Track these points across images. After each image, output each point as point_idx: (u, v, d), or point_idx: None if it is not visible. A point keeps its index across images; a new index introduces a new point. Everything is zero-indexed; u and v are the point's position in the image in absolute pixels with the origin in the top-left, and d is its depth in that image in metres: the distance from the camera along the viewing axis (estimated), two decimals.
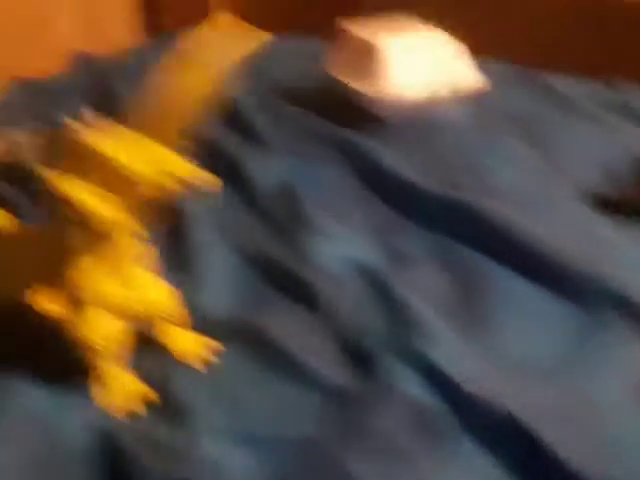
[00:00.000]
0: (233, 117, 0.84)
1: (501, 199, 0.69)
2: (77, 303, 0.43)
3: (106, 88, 1.02)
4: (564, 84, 1.00)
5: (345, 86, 0.87)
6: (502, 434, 0.43)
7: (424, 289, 0.57)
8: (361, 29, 0.87)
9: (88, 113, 0.34)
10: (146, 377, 0.48)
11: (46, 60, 1.17)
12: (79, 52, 1.20)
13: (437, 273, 0.60)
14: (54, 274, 0.43)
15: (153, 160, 0.34)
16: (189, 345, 0.50)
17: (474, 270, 0.61)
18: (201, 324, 0.52)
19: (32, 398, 0.46)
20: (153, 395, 0.47)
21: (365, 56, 0.87)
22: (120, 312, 0.45)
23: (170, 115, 0.40)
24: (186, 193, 0.40)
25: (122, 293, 0.45)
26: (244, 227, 0.65)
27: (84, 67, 1.14)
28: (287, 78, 1.01)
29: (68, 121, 0.34)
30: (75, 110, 0.87)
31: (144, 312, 0.46)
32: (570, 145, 0.84)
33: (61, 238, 0.40)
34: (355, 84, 0.86)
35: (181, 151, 0.40)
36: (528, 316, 0.55)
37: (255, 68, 1.02)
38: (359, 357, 0.50)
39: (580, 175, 0.76)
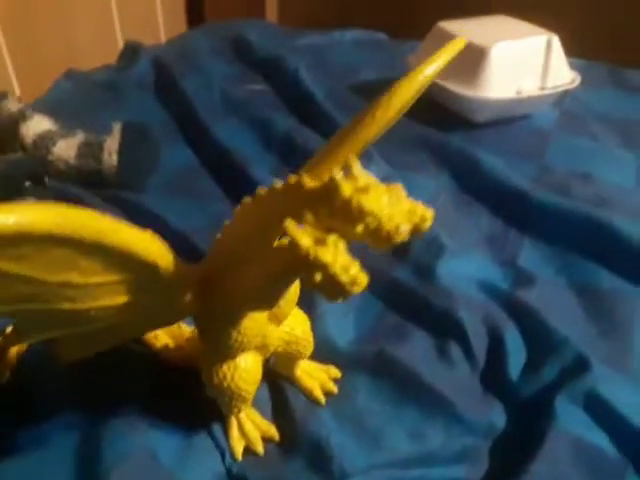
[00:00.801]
0: (296, 102, 0.80)
1: (615, 208, 0.63)
2: (233, 351, 0.38)
3: (168, 80, 0.95)
4: None
5: (440, 87, 0.80)
6: None
7: (556, 311, 0.51)
8: (459, 29, 0.82)
9: (353, 162, 0.29)
10: (268, 413, 0.44)
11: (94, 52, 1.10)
12: (130, 41, 1.13)
13: (564, 291, 0.55)
14: (207, 315, 0.38)
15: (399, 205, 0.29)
16: (315, 376, 0.46)
17: (608, 290, 0.55)
18: (324, 352, 0.47)
19: (155, 440, 0.41)
20: (275, 432, 0.42)
21: (468, 58, 0.80)
22: (268, 352, 0.41)
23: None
24: None
25: (276, 332, 0.41)
26: (357, 247, 0.56)
27: (138, 57, 1.06)
28: (363, 73, 0.95)
29: (335, 172, 0.29)
30: (137, 103, 0.81)
31: (287, 348, 0.42)
32: None
33: (232, 284, 0.35)
34: (453, 86, 0.79)
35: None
36: None
37: (329, 61, 0.96)
38: (506, 390, 0.45)
39: None
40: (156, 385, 0.44)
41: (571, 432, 0.40)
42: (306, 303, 0.48)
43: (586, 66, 0.94)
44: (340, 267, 0.28)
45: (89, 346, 0.39)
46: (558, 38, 0.81)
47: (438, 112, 0.81)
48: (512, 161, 0.72)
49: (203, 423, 0.43)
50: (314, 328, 0.46)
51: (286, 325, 0.41)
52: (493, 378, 0.46)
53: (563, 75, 0.83)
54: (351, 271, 0.28)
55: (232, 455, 0.42)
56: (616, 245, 0.58)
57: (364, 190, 0.28)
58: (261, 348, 0.40)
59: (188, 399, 0.43)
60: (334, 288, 0.28)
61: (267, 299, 0.36)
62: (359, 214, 0.28)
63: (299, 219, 0.29)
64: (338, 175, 0.28)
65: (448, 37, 0.79)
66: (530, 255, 0.59)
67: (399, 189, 0.29)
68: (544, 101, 0.83)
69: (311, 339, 0.44)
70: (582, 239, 0.60)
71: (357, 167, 0.29)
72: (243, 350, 0.39)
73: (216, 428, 0.43)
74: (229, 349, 0.38)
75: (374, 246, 0.29)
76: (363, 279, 0.29)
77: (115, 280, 0.31)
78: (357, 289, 0.29)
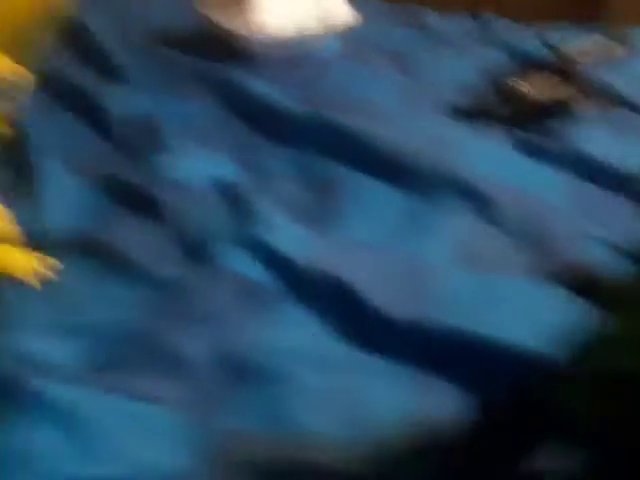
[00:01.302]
0: (90, 52, 0.81)
1: (361, 114, 0.70)
2: None
3: None
4: (436, 18, 1.03)
5: (217, 24, 0.84)
6: (332, 300, 0.45)
7: (276, 194, 0.58)
8: None
9: None
10: None
11: None
12: None
13: (293, 182, 0.61)
14: None
15: None
16: (22, 262, 0.48)
17: (327, 176, 0.62)
18: (40, 243, 0.50)
19: None
20: None
21: None
22: None
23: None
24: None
25: None
26: (93, 154, 0.64)
27: None
28: (160, 17, 0.96)
29: None
30: None
31: None
32: (435, 69, 0.87)
33: None
34: (228, 23, 0.84)
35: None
36: (371, 207, 0.57)
37: (132, 11, 0.95)
38: (197, 251, 0.50)
39: (442, 92, 0.79)
40: None
41: (233, 270, 0.46)
42: (24, 195, 0.54)
43: (378, 6, 1.01)
44: None
45: None
46: None
47: (224, 50, 0.85)
48: (285, 86, 0.77)
49: None
50: (31, 218, 0.50)
51: None
52: (188, 244, 0.52)
53: (340, 12, 0.88)
54: None
55: None
56: (341, 139, 0.66)
57: None
58: None
59: None
60: None
61: None
62: None
63: None
64: None
65: None
66: (275, 159, 0.66)
67: None
68: (323, 36, 0.88)
69: (5, 225, 0.46)
70: (317, 138, 0.67)
71: None
72: None
73: None
74: None
75: None
76: None
77: None
78: None
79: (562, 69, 0.79)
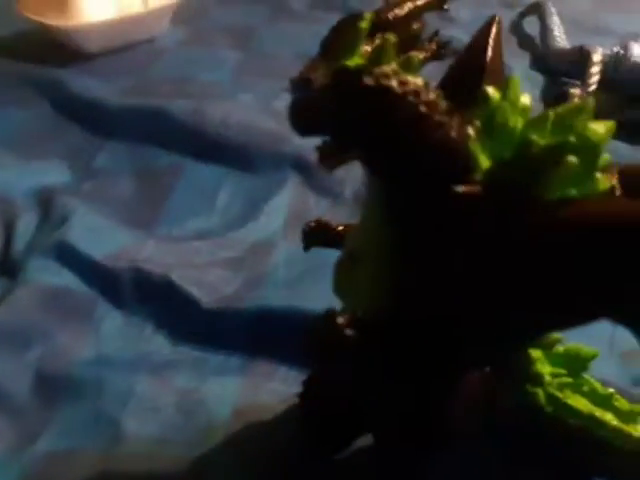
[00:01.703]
0: None
1: (193, 98, 0.69)
2: None
3: None
4: None
5: (40, 24, 0.81)
6: (147, 296, 0.44)
7: (101, 196, 0.57)
8: None
9: None
10: None
11: None
12: None
13: (123, 180, 0.59)
14: None
15: None
16: None
17: (161, 168, 0.61)
18: None
19: None
20: None
21: None
22: None
23: None
24: None
25: None
26: None
27: None
28: None
29: None
30: None
31: None
32: (276, 43, 0.88)
33: None
34: (50, 20, 0.81)
35: None
36: (205, 194, 0.56)
37: None
38: (9, 268, 0.48)
39: (280, 65, 0.79)
40: None
41: (38, 281, 0.44)
42: None
43: None
44: None
45: None
46: None
47: (52, 49, 0.82)
48: (114, 80, 0.76)
49: None
50: None
51: None
52: (5, 261, 0.49)
53: None
54: None
55: None
56: (172, 127, 0.64)
57: None
58: None
59: None
60: None
61: None
62: None
63: None
64: None
65: None
66: (104, 157, 0.63)
67: None
68: (152, 20, 0.86)
69: None
70: (147, 130, 0.65)
71: None
72: None
73: None
74: None
75: None
76: None
77: None
78: None
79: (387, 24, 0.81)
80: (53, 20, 0.81)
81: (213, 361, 0.40)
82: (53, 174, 0.61)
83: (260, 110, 0.68)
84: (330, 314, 0.24)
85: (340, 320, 0.23)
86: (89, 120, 0.70)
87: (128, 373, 0.40)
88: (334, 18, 0.73)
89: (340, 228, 0.32)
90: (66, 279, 0.45)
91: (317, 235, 0.33)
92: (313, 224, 0.33)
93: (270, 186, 0.57)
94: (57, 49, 0.82)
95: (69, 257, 0.46)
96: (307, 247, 0.34)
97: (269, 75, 0.78)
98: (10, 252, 0.49)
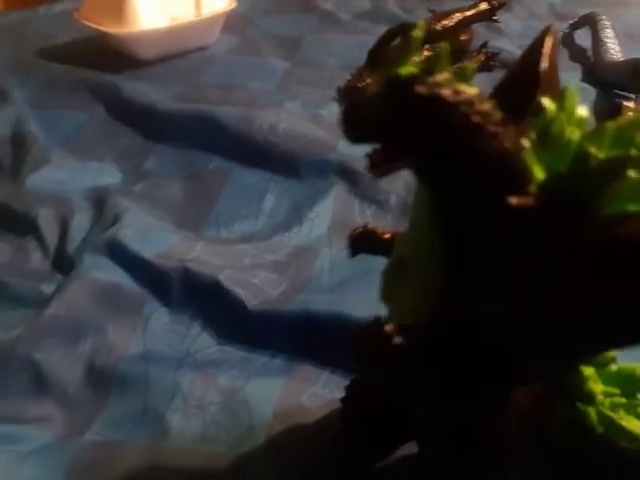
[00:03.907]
0: None
1: (241, 105, 0.71)
2: None
3: None
4: (329, 2, 1.05)
5: (99, 32, 0.85)
6: (195, 295, 0.46)
7: (152, 197, 0.58)
8: None
9: None
10: None
11: None
12: None
13: (173, 183, 0.61)
14: None
15: None
16: None
17: (210, 172, 0.62)
18: None
19: None
20: None
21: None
22: None
23: None
24: None
25: None
26: None
27: None
28: (47, 36, 0.97)
29: None
30: None
31: None
32: (321, 52, 0.88)
33: None
34: (108, 28, 0.84)
35: None
36: (252, 199, 0.58)
37: (10, 30, 0.96)
38: (64, 263, 0.50)
39: (327, 75, 0.80)
40: None
41: (92, 276, 0.46)
42: None
43: None
44: None
45: None
46: None
47: (108, 56, 0.85)
48: (166, 86, 0.78)
49: None
50: None
51: None
52: (59, 258, 0.51)
53: (216, 1, 0.89)
54: None
55: None
56: (221, 133, 0.66)
57: None
58: None
59: None
60: None
61: None
62: None
63: None
64: None
65: None
66: (154, 160, 0.66)
67: None
68: (204, 28, 0.89)
69: None
70: (197, 135, 0.67)
71: None
72: None
73: None
74: None
75: None
76: None
77: None
78: None
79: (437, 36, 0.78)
80: (110, 28, 0.84)
81: (257, 362, 0.41)
82: (106, 175, 0.63)
83: (306, 118, 0.69)
84: (378, 322, 0.24)
85: (388, 328, 0.23)
86: (141, 124, 0.72)
87: (174, 370, 0.41)
88: (380, 29, 0.76)
89: (387, 235, 0.32)
90: (117, 276, 0.46)
91: (363, 242, 0.33)
92: (360, 231, 0.33)
93: (315, 192, 0.58)
94: (113, 56, 0.86)
95: (120, 255, 0.47)
96: (353, 254, 0.34)
97: (315, 84, 0.79)
98: (65, 248, 0.51)
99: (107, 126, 0.73)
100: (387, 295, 0.28)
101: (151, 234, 0.50)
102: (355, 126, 0.21)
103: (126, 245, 0.48)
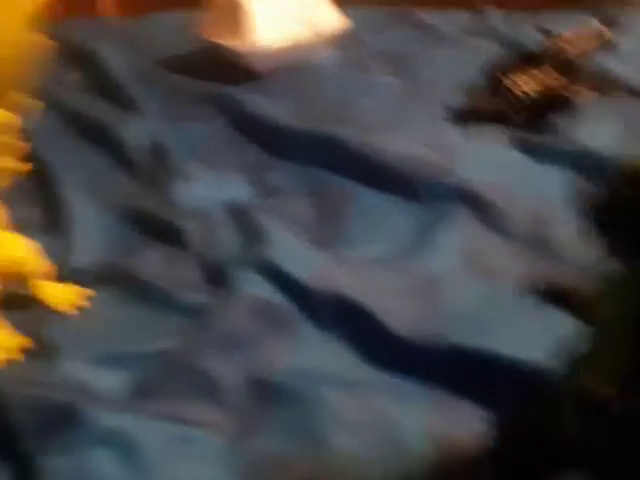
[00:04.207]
0: (102, 82, 0.87)
1: (360, 125, 0.73)
2: None
3: None
4: (431, 16, 1.05)
5: (217, 45, 0.89)
6: (340, 315, 0.48)
7: (285, 214, 0.61)
8: None
9: None
10: (22, 328, 0.51)
11: None
12: None
13: (300, 199, 0.64)
14: None
15: None
16: (59, 294, 0.53)
17: (332, 190, 0.65)
18: (71, 274, 0.55)
19: None
20: (28, 342, 0.50)
21: (231, 14, 0.88)
22: None
23: None
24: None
25: None
26: (113, 184, 0.68)
27: None
28: (166, 46, 1.00)
29: None
30: None
31: (11, 269, 0.49)
32: (430, 69, 0.88)
33: None
34: (226, 42, 0.88)
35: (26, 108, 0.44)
36: (377, 221, 0.60)
37: (131, 38, 1.01)
38: (214, 276, 0.54)
39: (439, 93, 0.81)
40: None
41: (249, 293, 0.50)
42: (55, 231, 0.59)
43: (372, 11, 1.04)
44: None
45: None
46: None
47: (225, 69, 0.89)
48: (283, 101, 0.81)
49: None
50: (63, 252, 0.56)
51: (3, 248, 0.49)
52: (209, 269, 0.55)
53: (329, 18, 0.92)
54: None
55: None
56: (344, 153, 0.69)
57: None
58: None
59: None
60: None
61: None
62: None
63: None
64: None
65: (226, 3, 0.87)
66: (279, 175, 0.69)
67: None
68: (316, 47, 0.91)
69: (36, 260, 0.51)
70: (319, 153, 0.70)
71: None
72: None
73: None
74: None
75: None
76: None
77: None
78: None
79: (559, 59, 0.79)
80: (229, 42, 0.88)
81: (406, 387, 0.43)
82: (235, 188, 0.67)
83: (422, 139, 0.70)
84: (586, 379, 0.25)
85: (603, 390, 0.25)
86: (263, 139, 0.75)
87: (326, 388, 0.43)
88: (484, 44, 0.76)
89: (572, 289, 0.34)
90: (270, 293, 0.50)
91: (550, 295, 0.34)
92: (547, 285, 0.35)
93: (438, 216, 0.59)
94: (230, 68, 0.89)
95: (273, 273, 0.51)
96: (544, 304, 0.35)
97: (428, 102, 0.80)
98: (213, 261, 0.55)
99: (228, 138, 0.77)
100: (576, 351, 0.29)
101: (298, 254, 0.54)
102: (604, 213, 0.23)
103: (278, 265, 0.51)
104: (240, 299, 0.49)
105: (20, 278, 0.52)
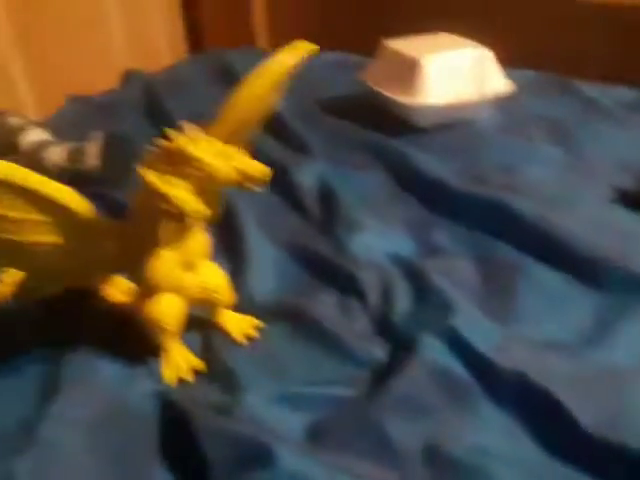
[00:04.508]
0: (278, 127, 0.90)
1: (528, 195, 0.72)
2: (152, 288, 0.49)
3: (156, 103, 1.09)
4: (590, 88, 1.04)
5: (382, 94, 0.91)
6: (521, 396, 0.47)
7: (455, 276, 0.61)
8: (402, 46, 0.93)
9: (187, 125, 0.42)
10: (198, 350, 0.54)
11: (98, 77, 1.23)
12: (129, 69, 1.28)
13: (468, 263, 0.64)
14: (132, 263, 0.49)
15: (227, 158, 0.41)
16: (236, 323, 0.56)
17: (499, 258, 0.64)
18: (248, 305, 0.58)
19: (103, 368, 0.52)
20: (202, 365, 0.52)
21: (404, 68, 0.90)
22: (186, 295, 0.51)
23: (239, 123, 0.50)
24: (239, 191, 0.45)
25: (191, 279, 0.50)
26: (288, 223, 0.71)
27: (134, 83, 1.21)
28: (329, 90, 1.05)
29: (168, 131, 0.41)
30: (128, 122, 0.90)
31: (204, 295, 0.52)
32: (595, 144, 0.87)
33: (142, 232, 0.46)
34: (393, 93, 0.90)
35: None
36: (552, 300, 0.58)
37: (299, 81, 1.06)
38: (390, 332, 0.54)
39: (604, 171, 0.79)
40: (108, 329, 0.55)
41: (430, 358, 0.49)
42: (236, 265, 0.62)
43: (522, 74, 1.03)
44: (178, 197, 0.40)
45: (52, 284, 0.51)
46: (491, 52, 0.92)
47: (387, 120, 0.91)
48: (445, 159, 0.82)
49: (142, 356, 0.53)
50: (241, 286, 0.58)
51: (202, 275, 0.52)
52: (382, 323, 0.56)
53: (498, 84, 0.93)
54: (191, 202, 0.40)
55: (165, 380, 0.51)
56: (514, 223, 0.67)
57: (194, 143, 0.40)
58: (178, 290, 0.50)
59: (132, 339, 0.53)
60: (178, 214, 0.40)
61: (157, 237, 0.46)
62: (188, 159, 0.40)
63: (157, 170, 0.41)
64: (176, 134, 0.41)
65: (390, 53, 0.91)
66: (443, 234, 0.69)
67: (233, 149, 0.41)
68: (480, 107, 0.93)
69: (227, 290, 0.54)
70: (487, 219, 0.69)
71: (192, 129, 0.41)
72: (160, 288, 0.49)
73: (154, 360, 0.53)
74: (149, 288, 0.49)
75: (211, 187, 0.41)
76: (201, 208, 0.40)
77: (43, 220, 0.42)
78: (196, 215, 0.40)
79: None
80: (396, 94, 0.90)
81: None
82: (399, 242, 0.68)
83: (595, 221, 0.68)
84: None
85: None
86: (425, 194, 0.76)
87: (503, 470, 0.42)
88: None
89: None
90: (451, 362, 0.49)
91: None
92: None
93: (621, 305, 0.56)
94: (393, 120, 0.91)
95: (455, 341, 0.51)
96: None
97: (595, 181, 0.77)
98: (389, 317, 0.56)
99: (392, 191, 0.78)
100: None
101: (479, 324, 0.53)
102: None
103: (461, 334, 0.51)
104: (420, 362, 0.48)
105: (210, 305, 0.54)
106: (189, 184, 0.41)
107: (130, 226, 0.47)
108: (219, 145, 0.42)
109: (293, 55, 0.54)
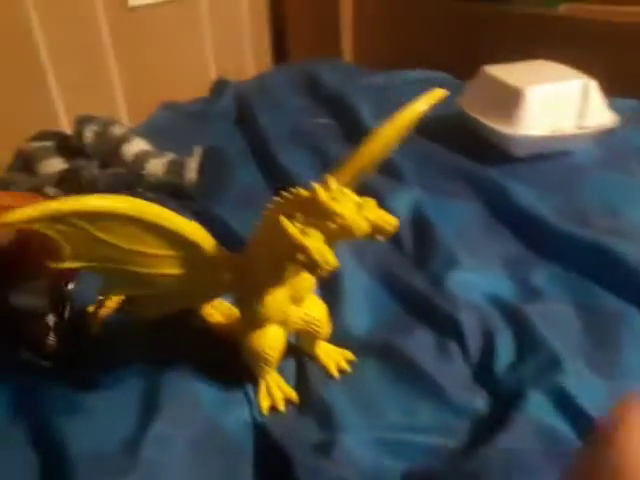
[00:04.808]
0: (355, 134, 0.90)
1: (631, 238, 0.68)
2: (261, 321, 0.50)
3: (248, 115, 1.11)
4: None
5: (482, 124, 0.89)
6: None
7: (557, 324, 0.58)
8: (502, 73, 0.91)
9: (329, 178, 0.42)
10: (291, 380, 0.54)
11: (187, 84, 1.28)
12: (220, 77, 1.31)
13: (568, 309, 0.61)
14: (243, 292, 0.50)
15: (362, 210, 0.42)
16: (331, 355, 0.56)
17: (599, 305, 0.61)
18: (341, 338, 0.57)
19: (201, 389, 0.53)
20: (296, 397, 0.53)
21: (504, 96, 0.88)
22: (289, 327, 0.52)
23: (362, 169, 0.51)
24: None
25: (295, 312, 0.51)
26: (381, 255, 0.69)
27: (225, 91, 1.24)
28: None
29: (314, 184, 0.42)
30: (220, 132, 0.92)
31: (305, 326, 0.53)
32: None
33: (259, 268, 0.47)
34: (490, 121, 0.88)
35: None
36: None
37: (377, 91, 1.03)
38: (492, 382, 0.52)
39: None
40: (206, 350, 0.56)
41: (536, 415, 0.48)
42: (331, 297, 0.61)
43: (625, 104, 0.98)
44: (316, 250, 0.40)
45: (159, 307, 0.52)
46: (595, 82, 0.87)
47: (482, 147, 0.89)
48: (543, 192, 0.79)
49: (239, 381, 0.54)
50: (335, 318, 0.57)
51: (305, 307, 0.52)
52: (482, 372, 0.54)
53: (600, 115, 0.88)
54: (325, 254, 0.40)
55: (259, 409, 0.52)
56: (616, 268, 0.64)
57: (333, 195, 0.40)
58: (283, 323, 0.51)
59: (229, 362, 0.54)
60: (312, 265, 0.40)
61: (276, 277, 0.47)
62: (329, 214, 0.40)
63: (293, 218, 0.41)
64: (318, 186, 0.41)
65: (490, 79, 0.88)
66: (541, 275, 0.66)
67: (370, 201, 0.42)
68: (580, 139, 0.89)
69: (327, 322, 0.54)
70: (588, 262, 0.66)
71: (333, 182, 0.41)
72: (268, 322, 0.50)
73: (250, 387, 0.53)
74: (257, 320, 0.50)
75: (344, 239, 0.41)
76: (332, 261, 0.40)
77: (171, 254, 0.44)
78: (328, 267, 0.40)
79: None
80: (493, 122, 0.88)
81: None
82: (497, 281, 0.65)
83: None
84: None
85: None
86: (522, 230, 0.73)
87: None
88: None
89: None
90: (557, 422, 0.48)
91: None
92: None
93: None
94: (488, 148, 0.88)
95: (563, 401, 0.49)
96: None
97: None
98: (489, 365, 0.54)
99: (488, 224, 0.76)
100: None
101: (587, 383, 0.51)
102: None
103: (570, 394, 0.49)
104: (525, 419, 0.47)
105: (309, 336, 0.55)
106: (322, 234, 0.41)
107: (247, 260, 0.48)
108: (354, 197, 0.42)
109: (427, 103, 0.54)
